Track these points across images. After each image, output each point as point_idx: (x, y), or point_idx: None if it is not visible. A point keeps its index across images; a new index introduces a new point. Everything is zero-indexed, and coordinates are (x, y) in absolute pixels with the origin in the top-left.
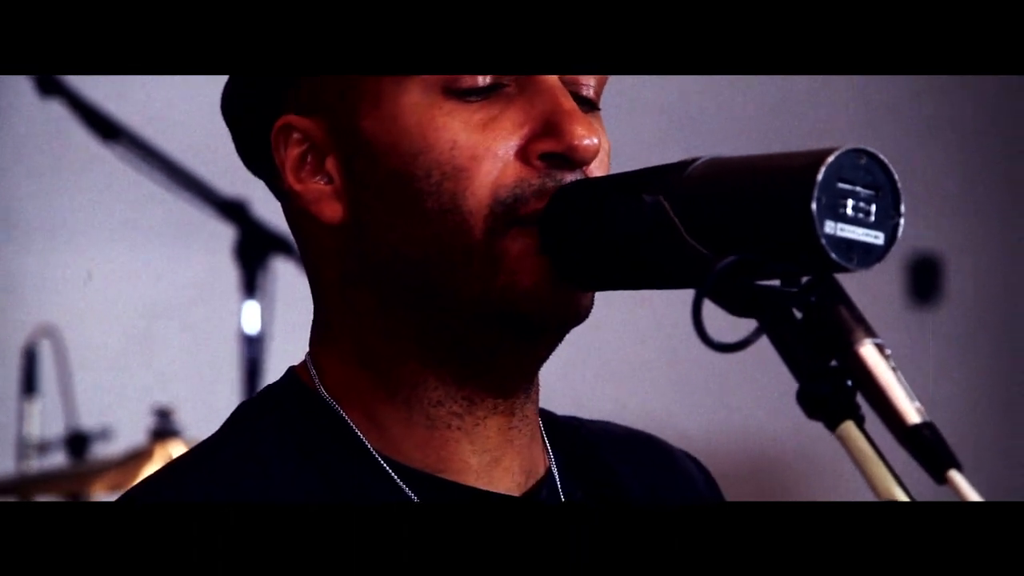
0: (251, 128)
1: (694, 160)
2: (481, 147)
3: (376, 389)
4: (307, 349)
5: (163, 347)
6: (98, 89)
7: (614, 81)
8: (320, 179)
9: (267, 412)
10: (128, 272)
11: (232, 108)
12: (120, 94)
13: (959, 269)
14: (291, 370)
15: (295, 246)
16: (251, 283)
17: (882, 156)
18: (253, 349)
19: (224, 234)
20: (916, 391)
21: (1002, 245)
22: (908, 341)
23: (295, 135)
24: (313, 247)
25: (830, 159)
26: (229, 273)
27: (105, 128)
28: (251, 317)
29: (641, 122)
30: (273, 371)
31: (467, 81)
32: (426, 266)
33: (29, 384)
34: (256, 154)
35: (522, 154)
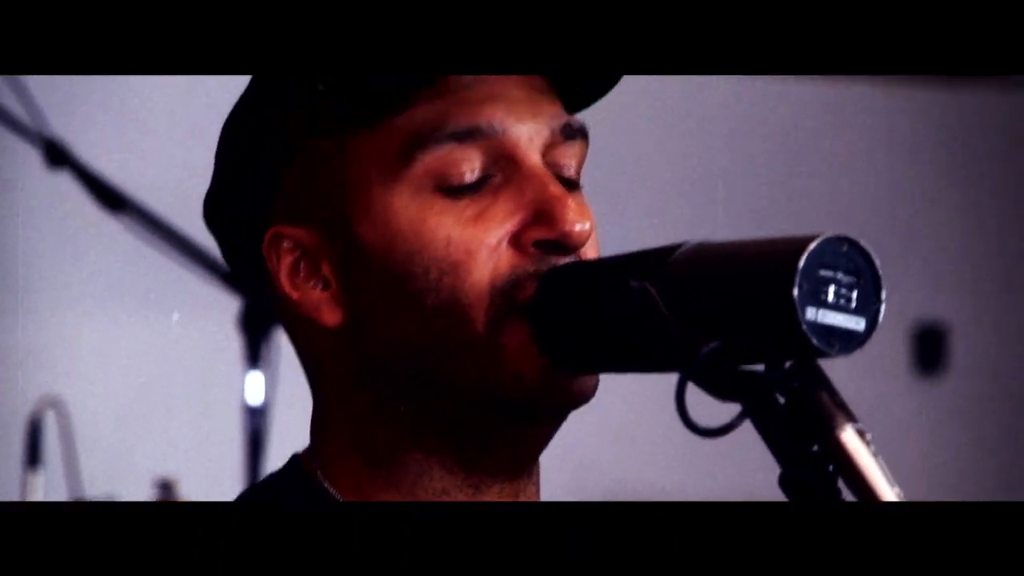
0: (239, 240)
1: (680, 245)
2: (475, 241)
3: (377, 480)
4: (309, 431)
5: (167, 418)
6: (105, 160)
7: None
8: (316, 285)
9: (269, 502)
10: (133, 343)
11: (217, 221)
12: (126, 165)
13: (964, 339)
14: (295, 458)
15: None
16: (255, 354)
17: (863, 243)
18: (256, 420)
19: (229, 305)
20: (919, 461)
21: (1007, 315)
22: (913, 411)
23: (286, 244)
24: (311, 349)
25: (812, 246)
26: (233, 344)
27: (112, 199)
28: (255, 388)
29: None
30: (276, 442)
31: (455, 178)
32: (422, 355)
33: (33, 455)
34: (245, 263)
35: (516, 242)
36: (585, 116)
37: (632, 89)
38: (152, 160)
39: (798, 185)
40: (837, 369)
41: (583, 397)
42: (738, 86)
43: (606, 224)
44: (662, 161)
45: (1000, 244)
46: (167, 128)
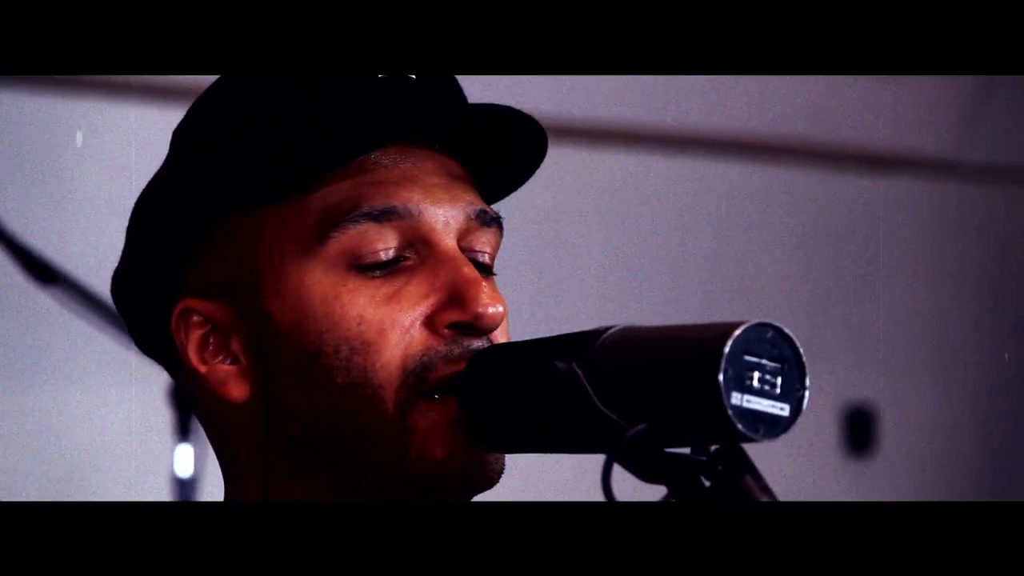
0: (146, 313)
1: (607, 329)
2: (388, 320)
3: None
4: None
5: (95, 490)
6: (35, 233)
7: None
8: (225, 360)
9: None
10: (61, 415)
11: (126, 295)
12: (58, 238)
13: (892, 421)
14: None
15: None
16: (185, 427)
17: (787, 330)
18: (185, 493)
19: (158, 377)
20: None
21: (934, 397)
22: (843, 491)
23: (195, 318)
24: (218, 424)
25: (737, 332)
26: (163, 417)
27: (43, 272)
28: (184, 460)
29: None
30: None
31: (370, 256)
32: (339, 433)
33: None
34: (150, 337)
35: (429, 323)
36: (515, 197)
37: (557, 171)
38: (83, 233)
39: (726, 268)
40: (769, 449)
41: (488, 482)
42: (669, 165)
43: (531, 306)
44: (589, 244)
45: (925, 328)
46: (98, 201)
